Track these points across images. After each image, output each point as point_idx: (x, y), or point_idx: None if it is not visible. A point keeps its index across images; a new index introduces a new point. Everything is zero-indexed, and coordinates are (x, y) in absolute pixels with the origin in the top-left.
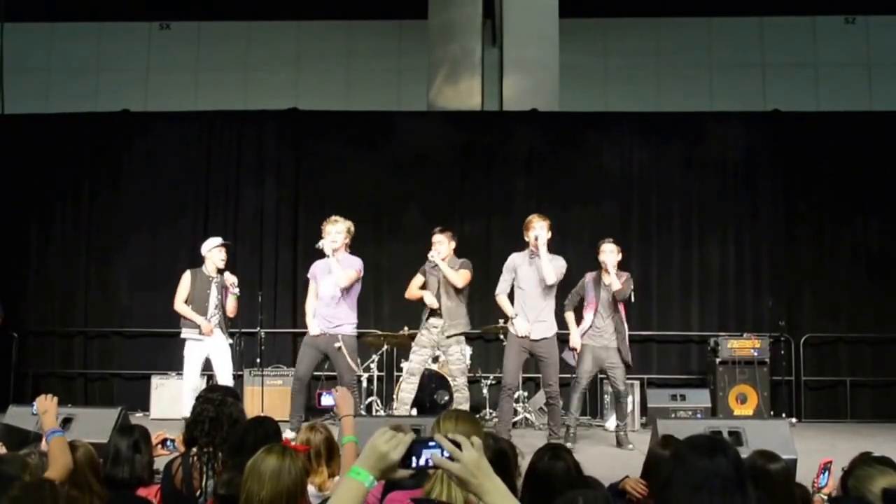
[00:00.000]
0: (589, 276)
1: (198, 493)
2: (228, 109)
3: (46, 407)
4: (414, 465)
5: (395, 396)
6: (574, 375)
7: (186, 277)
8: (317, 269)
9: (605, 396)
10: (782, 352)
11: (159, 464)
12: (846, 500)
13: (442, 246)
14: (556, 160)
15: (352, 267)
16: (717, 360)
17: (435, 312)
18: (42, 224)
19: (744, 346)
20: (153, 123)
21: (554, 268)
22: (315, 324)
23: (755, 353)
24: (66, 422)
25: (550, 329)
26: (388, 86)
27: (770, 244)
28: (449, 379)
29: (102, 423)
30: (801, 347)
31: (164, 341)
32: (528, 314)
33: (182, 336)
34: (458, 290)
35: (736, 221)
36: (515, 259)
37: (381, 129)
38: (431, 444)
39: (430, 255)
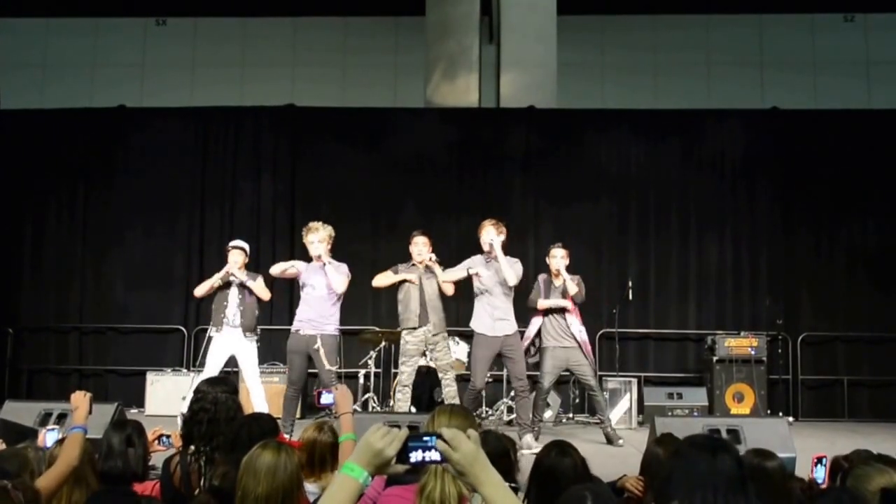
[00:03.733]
0: (541, 278)
1: (196, 492)
2: (224, 106)
3: (79, 403)
4: (410, 460)
5: (391, 403)
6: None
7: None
8: (307, 268)
9: (605, 394)
10: (780, 350)
11: (156, 460)
12: (834, 490)
13: (426, 248)
14: (553, 157)
15: (342, 273)
16: (715, 358)
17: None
18: (37, 220)
19: (741, 344)
20: (149, 119)
21: (514, 272)
22: (293, 327)
23: (752, 352)
24: (62, 417)
25: (513, 326)
26: (384, 82)
27: (768, 242)
28: (440, 374)
29: (98, 419)
30: (799, 346)
31: (159, 337)
32: (493, 313)
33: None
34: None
35: (734, 219)
36: (475, 260)
37: (377, 126)
38: (426, 439)
39: (426, 260)
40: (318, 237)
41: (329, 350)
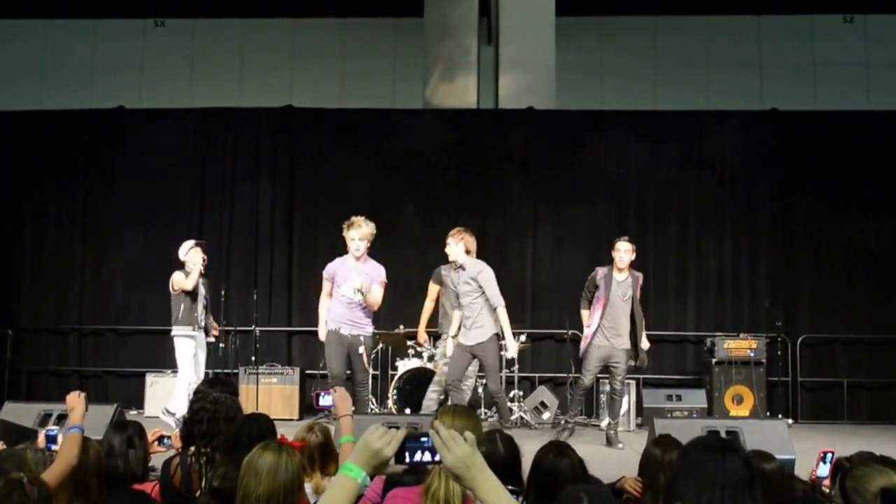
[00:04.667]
0: (600, 272)
1: (197, 493)
2: (223, 107)
3: (74, 404)
4: (407, 460)
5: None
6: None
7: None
8: (336, 270)
9: (602, 396)
10: (779, 352)
11: (156, 461)
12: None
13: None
14: (552, 159)
15: (377, 281)
16: (714, 360)
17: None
18: (36, 221)
19: (740, 346)
20: (148, 121)
21: (481, 280)
22: (328, 326)
23: (752, 354)
24: (62, 418)
25: (486, 333)
26: (383, 84)
27: (767, 244)
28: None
29: (98, 420)
30: (798, 348)
31: (158, 338)
32: (465, 322)
33: (175, 334)
34: None
35: (733, 221)
36: (441, 271)
37: (376, 127)
38: (424, 439)
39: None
40: (359, 234)
41: (369, 353)
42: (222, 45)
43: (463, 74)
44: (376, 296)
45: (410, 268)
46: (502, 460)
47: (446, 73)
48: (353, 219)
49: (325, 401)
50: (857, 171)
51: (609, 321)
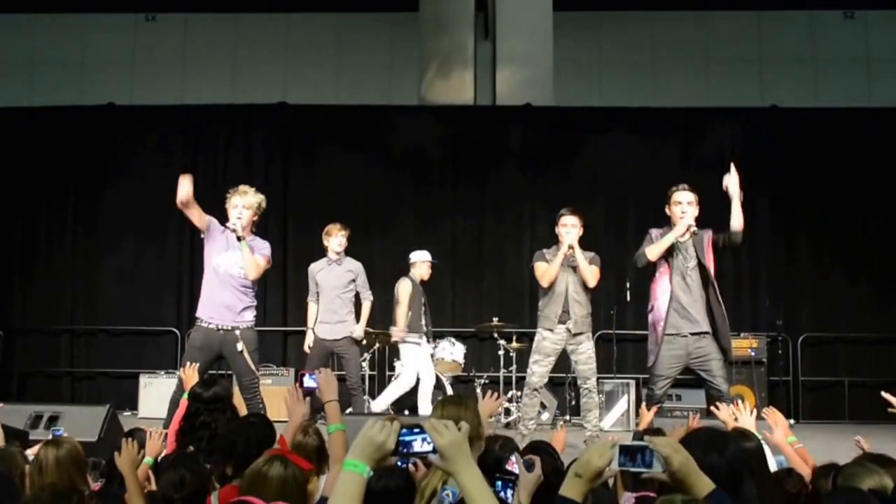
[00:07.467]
0: (654, 232)
1: None
2: (215, 103)
3: None
4: (404, 451)
5: (518, 415)
6: (647, 385)
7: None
8: (212, 246)
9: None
10: (780, 352)
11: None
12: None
13: (575, 230)
14: (549, 155)
15: (261, 253)
16: None
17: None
18: (27, 220)
19: (741, 345)
20: (139, 117)
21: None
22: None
23: (752, 353)
24: (53, 420)
25: (349, 327)
26: (378, 80)
27: (767, 242)
28: (579, 381)
29: (90, 421)
30: (799, 347)
31: (151, 339)
32: (330, 317)
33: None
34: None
35: None
36: (313, 267)
37: (371, 124)
38: (417, 430)
39: (564, 239)
40: (244, 202)
41: (251, 347)
42: (215, 41)
43: (459, 70)
44: (259, 264)
45: (405, 266)
46: (495, 459)
47: (442, 68)
48: (240, 187)
49: (309, 382)
50: (858, 168)
51: (679, 302)
